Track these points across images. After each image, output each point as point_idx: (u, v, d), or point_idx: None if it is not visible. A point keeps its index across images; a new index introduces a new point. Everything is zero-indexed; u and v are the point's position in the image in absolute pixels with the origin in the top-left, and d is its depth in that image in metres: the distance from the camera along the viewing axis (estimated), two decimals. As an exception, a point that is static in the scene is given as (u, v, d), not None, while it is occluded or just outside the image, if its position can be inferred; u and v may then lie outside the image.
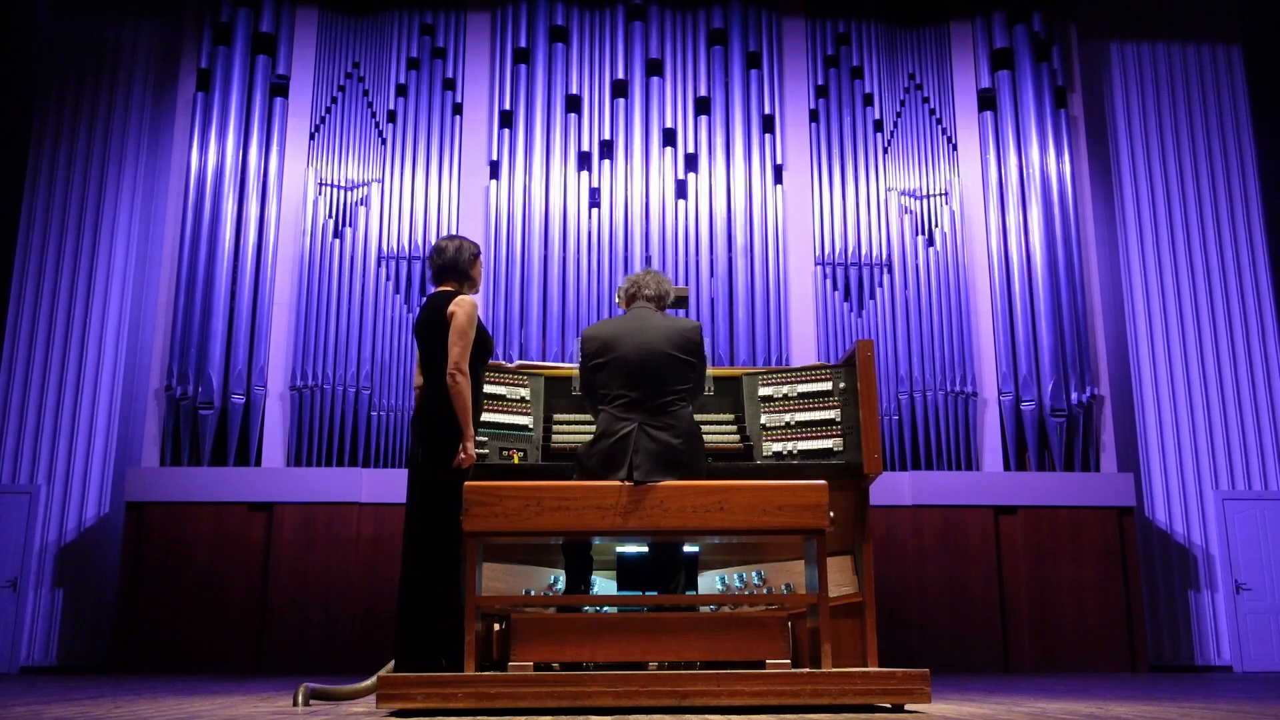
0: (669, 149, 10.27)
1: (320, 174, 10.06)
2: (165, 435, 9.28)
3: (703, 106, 10.49)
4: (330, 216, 10.00)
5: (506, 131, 10.25)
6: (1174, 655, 9.83)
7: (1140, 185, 10.86)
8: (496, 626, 4.52)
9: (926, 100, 10.61)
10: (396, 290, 9.83)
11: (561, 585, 4.57)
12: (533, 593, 4.52)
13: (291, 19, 10.36)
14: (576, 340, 9.36)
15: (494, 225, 9.98)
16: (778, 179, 10.29)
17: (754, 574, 4.63)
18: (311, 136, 10.15)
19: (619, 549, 4.54)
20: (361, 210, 9.99)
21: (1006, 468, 9.69)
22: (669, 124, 10.36)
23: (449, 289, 4.41)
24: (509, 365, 4.82)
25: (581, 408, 4.71)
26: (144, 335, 9.99)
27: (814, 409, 4.72)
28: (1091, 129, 10.85)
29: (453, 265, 4.43)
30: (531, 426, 4.69)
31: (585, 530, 3.90)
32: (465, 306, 4.27)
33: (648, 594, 4.26)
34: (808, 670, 3.79)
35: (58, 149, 10.40)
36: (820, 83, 10.60)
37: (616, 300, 4.60)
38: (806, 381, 4.79)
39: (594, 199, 10.19)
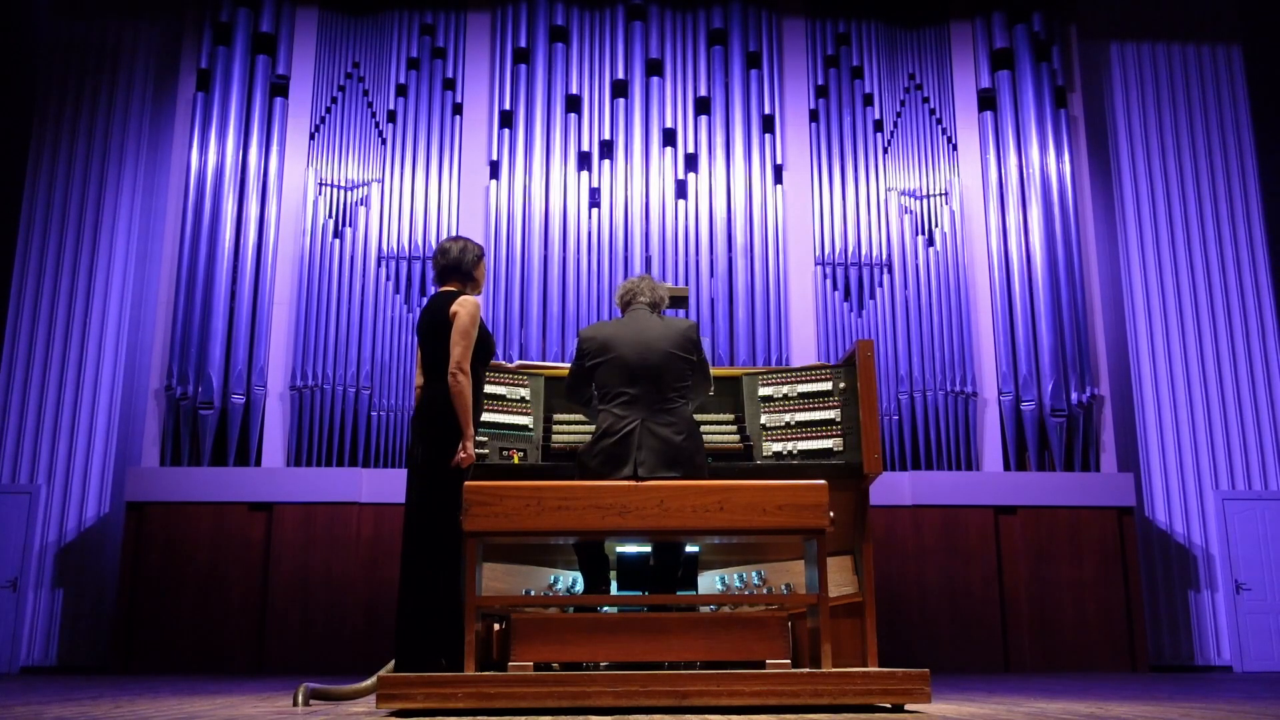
0: (669, 149, 10.27)
1: (320, 174, 10.06)
2: (165, 435, 9.28)
3: (703, 106, 10.49)
4: (330, 216, 10.00)
5: (506, 131, 10.25)
6: (1174, 655, 9.82)
7: (1140, 185, 10.86)
8: (496, 626, 4.52)
9: (926, 100, 10.61)
10: (396, 290, 9.83)
11: (561, 585, 4.58)
12: (533, 593, 4.52)
13: (291, 19, 10.36)
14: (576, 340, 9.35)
15: (494, 225, 9.98)
16: (778, 179, 10.29)
17: (754, 574, 4.63)
18: (311, 136, 10.15)
19: (619, 549, 4.54)
20: (361, 210, 9.99)
21: (1006, 468, 9.69)
22: (669, 124, 10.36)
23: (452, 289, 4.42)
24: (509, 365, 4.82)
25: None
26: (144, 335, 9.99)
27: (814, 409, 4.72)
28: (1091, 129, 10.85)
29: (456, 266, 4.44)
30: (531, 426, 4.69)
31: (585, 530, 3.90)
32: (468, 307, 4.27)
33: (648, 594, 4.27)
34: (808, 670, 3.79)
35: (58, 149, 10.40)
36: (820, 83, 10.60)
37: (617, 303, 4.62)
38: (806, 381, 4.79)
39: (594, 199, 10.19)
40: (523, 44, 10.47)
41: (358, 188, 10.13)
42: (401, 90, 10.33)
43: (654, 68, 10.54)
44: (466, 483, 3.92)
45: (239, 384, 9.37)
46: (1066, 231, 10.10)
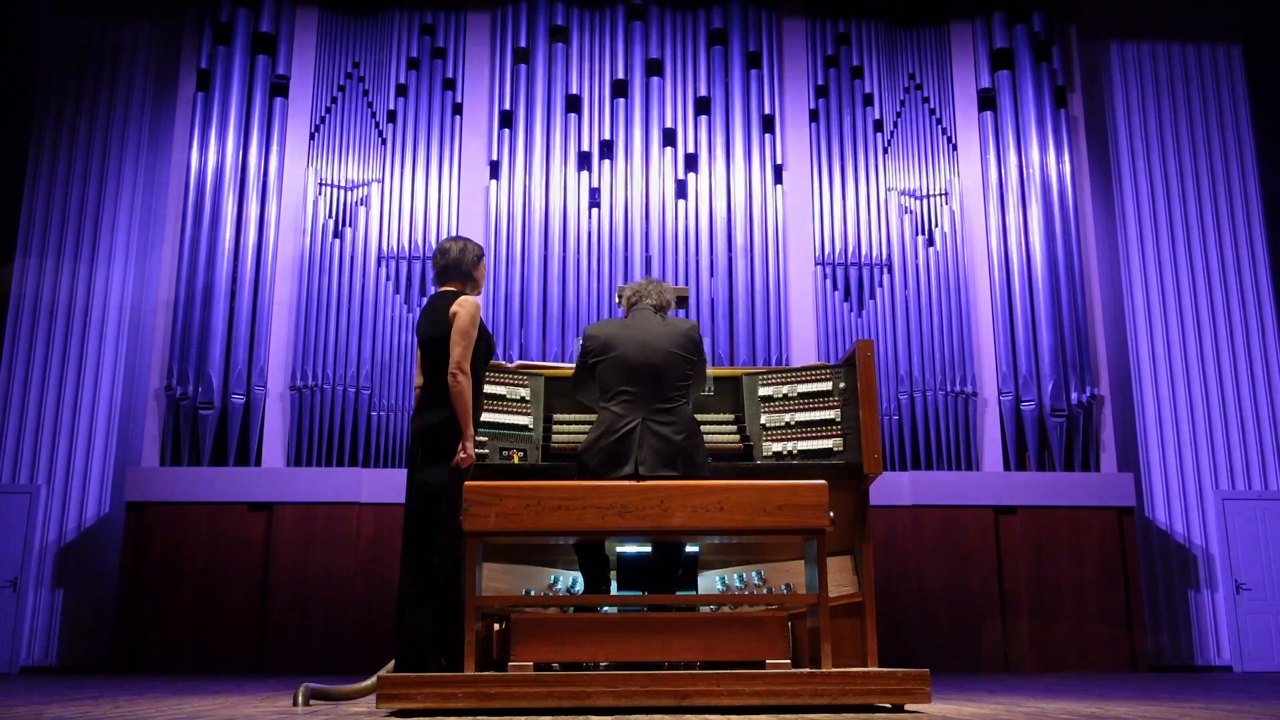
0: (669, 149, 10.27)
1: (320, 174, 10.06)
2: (165, 435, 9.29)
3: (703, 106, 10.49)
4: (330, 216, 10.00)
5: (506, 131, 10.25)
6: (1174, 655, 9.82)
7: (1140, 185, 10.86)
8: (496, 626, 4.52)
9: (926, 100, 10.61)
10: (396, 290, 9.83)
11: (561, 585, 4.58)
12: (533, 593, 4.52)
13: (291, 19, 10.36)
14: (578, 340, 9.36)
15: (494, 225, 9.98)
16: (778, 179, 10.29)
17: (754, 574, 4.63)
18: (311, 136, 10.15)
19: (619, 549, 4.54)
20: (361, 210, 9.99)
21: (1006, 468, 9.69)
22: (669, 124, 10.36)
23: (452, 289, 4.42)
24: (509, 365, 4.82)
25: (581, 408, 4.71)
26: (144, 335, 9.99)
27: (814, 409, 4.72)
28: (1091, 129, 10.85)
29: (456, 266, 4.44)
30: (531, 426, 4.69)
31: (585, 530, 3.90)
32: (468, 307, 4.28)
33: (648, 594, 4.27)
34: (808, 670, 3.79)
35: (58, 149, 10.40)
36: (820, 83, 10.60)
37: (617, 302, 4.62)
38: (806, 381, 4.79)
39: (594, 199, 10.19)
40: (523, 44, 10.47)
41: (358, 188, 10.13)
42: (401, 90, 10.33)
43: (654, 68, 10.54)
44: (466, 483, 3.92)
45: (239, 384, 9.37)
46: (1066, 232, 10.10)
